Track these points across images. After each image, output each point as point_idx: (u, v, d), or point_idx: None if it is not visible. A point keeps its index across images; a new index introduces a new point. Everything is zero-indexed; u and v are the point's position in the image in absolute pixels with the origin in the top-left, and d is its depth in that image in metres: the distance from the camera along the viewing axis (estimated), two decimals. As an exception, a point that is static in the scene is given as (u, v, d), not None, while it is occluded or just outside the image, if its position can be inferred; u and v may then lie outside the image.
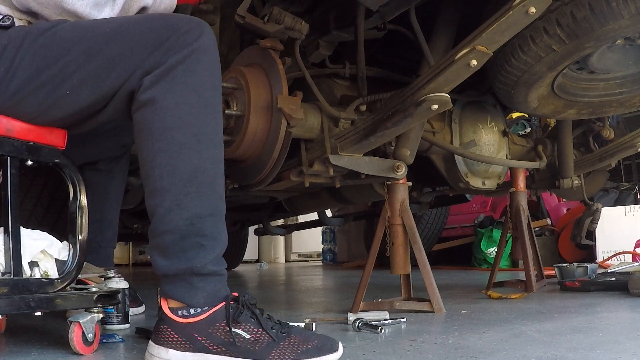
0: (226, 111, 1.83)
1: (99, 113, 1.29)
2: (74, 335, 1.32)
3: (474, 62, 1.46)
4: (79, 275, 1.65)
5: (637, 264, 2.96)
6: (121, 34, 1.22)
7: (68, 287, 1.35)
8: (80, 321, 1.33)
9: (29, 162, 1.30)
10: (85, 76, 1.22)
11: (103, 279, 1.70)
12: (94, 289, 1.43)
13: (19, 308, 1.21)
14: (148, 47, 1.20)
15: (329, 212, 4.32)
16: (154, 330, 1.21)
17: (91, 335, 1.35)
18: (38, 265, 1.30)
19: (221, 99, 1.27)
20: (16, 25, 1.28)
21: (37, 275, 1.28)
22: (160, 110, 1.18)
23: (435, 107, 1.56)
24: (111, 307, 1.66)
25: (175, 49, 1.19)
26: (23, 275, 1.25)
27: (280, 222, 5.79)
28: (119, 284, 1.69)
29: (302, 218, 5.52)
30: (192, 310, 1.18)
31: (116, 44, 1.22)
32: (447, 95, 1.55)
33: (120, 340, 1.52)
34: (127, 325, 1.72)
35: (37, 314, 1.24)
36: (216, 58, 1.25)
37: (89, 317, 1.35)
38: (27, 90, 1.23)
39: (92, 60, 1.22)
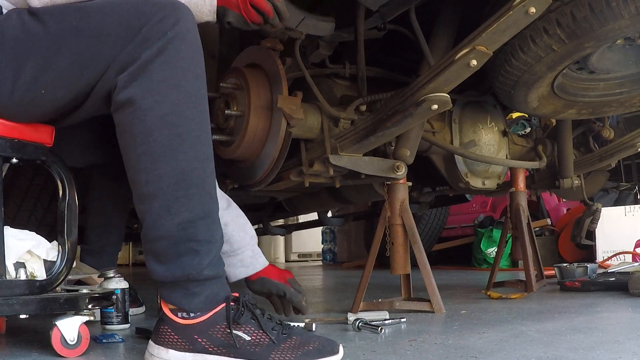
0: (226, 111, 1.83)
1: (78, 109, 1.24)
2: (52, 338, 1.29)
3: (474, 62, 1.46)
4: (79, 277, 1.63)
5: (637, 264, 2.95)
6: (90, 26, 1.14)
7: (58, 289, 1.32)
8: (57, 323, 1.30)
9: (14, 160, 1.25)
10: (58, 73, 1.17)
11: (103, 279, 1.70)
12: (84, 291, 1.40)
13: (2, 311, 1.18)
14: (119, 40, 1.13)
15: (328, 212, 4.31)
16: (154, 331, 1.21)
17: (72, 338, 1.31)
18: (25, 267, 1.26)
19: (206, 88, 1.19)
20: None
21: (23, 277, 1.25)
22: (140, 111, 1.12)
23: (435, 107, 1.55)
24: (110, 307, 1.66)
25: (149, 40, 1.12)
26: (7, 276, 1.22)
27: (280, 222, 5.78)
28: (119, 284, 1.69)
29: (302, 218, 5.51)
30: (191, 313, 1.17)
31: (84, 37, 1.14)
32: (447, 95, 1.55)
33: (120, 340, 1.51)
34: (127, 325, 1.72)
35: (23, 316, 1.21)
36: (197, 44, 1.17)
37: (68, 319, 1.31)
38: (2, 90, 1.18)
39: (61, 57, 1.15)
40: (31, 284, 1.26)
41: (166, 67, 1.12)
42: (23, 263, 1.27)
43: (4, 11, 1.24)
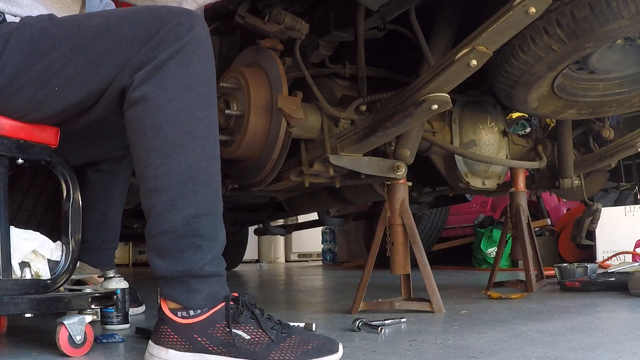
0: (226, 111, 1.84)
1: (90, 110, 1.28)
2: (59, 337, 1.30)
3: (474, 62, 1.46)
4: (80, 277, 1.63)
5: (637, 264, 2.96)
6: (108, 28, 1.19)
7: (61, 288, 1.32)
8: (66, 323, 1.30)
9: (20, 161, 1.27)
10: (74, 72, 1.20)
11: (103, 279, 1.70)
12: (87, 290, 1.41)
13: (7, 309, 1.19)
14: (137, 42, 1.17)
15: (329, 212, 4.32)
16: (153, 331, 1.21)
17: (79, 337, 1.32)
18: (29, 266, 1.27)
19: (216, 92, 1.24)
20: (8, 21, 1.27)
21: (28, 276, 1.26)
22: (153, 108, 1.16)
23: (435, 107, 1.56)
24: (111, 307, 1.66)
25: (165, 43, 1.16)
26: (13, 275, 1.23)
27: (280, 222, 5.79)
28: (119, 284, 1.69)
29: (302, 218, 5.51)
30: (191, 312, 1.18)
31: (103, 38, 1.19)
32: (447, 95, 1.55)
33: (120, 340, 1.51)
34: (127, 325, 1.72)
35: (28, 315, 1.22)
36: (209, 50, 1.22)
37: (76, 318, 1.32)
38: (15, 87, 1.21)
39: (79, 56, 1.20)
40: (36, 284, 1.27)
41: (180, 68, 1.17)
42: (28, 262, 1.28)
43: (8, 18, 1.27)
